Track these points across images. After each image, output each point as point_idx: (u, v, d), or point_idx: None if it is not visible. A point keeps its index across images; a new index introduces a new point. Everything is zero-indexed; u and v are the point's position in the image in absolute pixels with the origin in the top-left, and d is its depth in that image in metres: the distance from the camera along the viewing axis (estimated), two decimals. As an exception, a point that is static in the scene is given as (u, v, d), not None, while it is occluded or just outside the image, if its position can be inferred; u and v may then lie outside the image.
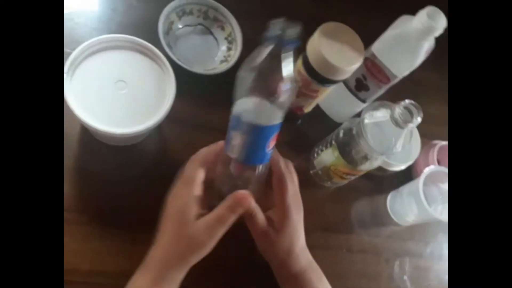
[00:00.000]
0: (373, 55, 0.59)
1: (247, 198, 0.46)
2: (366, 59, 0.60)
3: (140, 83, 0.54)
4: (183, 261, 0.46)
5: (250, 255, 0.55)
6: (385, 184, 0.72)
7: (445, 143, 0.72)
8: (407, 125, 0.51)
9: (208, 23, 0.69)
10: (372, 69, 0.60)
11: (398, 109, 0.51)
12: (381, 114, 0.55)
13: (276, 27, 0.40)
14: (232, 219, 0.46)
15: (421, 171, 0.70)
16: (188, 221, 0.46)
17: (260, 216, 0.50)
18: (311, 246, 0.54)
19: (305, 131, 0.72)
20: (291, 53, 0.42)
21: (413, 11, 0.58)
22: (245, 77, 0.43)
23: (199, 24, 0.69)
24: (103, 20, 0.65)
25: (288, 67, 0.42)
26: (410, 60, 0.57)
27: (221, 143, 0.50)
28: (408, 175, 0.74)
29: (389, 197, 0.71)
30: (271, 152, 0.47)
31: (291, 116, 0.67)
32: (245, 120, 0.44)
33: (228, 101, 0.65)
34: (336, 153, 0.59)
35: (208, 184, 0.49)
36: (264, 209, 0.51)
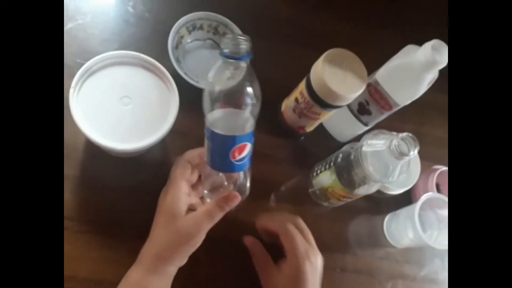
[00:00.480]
0: (377, 82, 0.59)
1: (235, 198, 0.50)
2: (369, 85, 0.61)
3: (145, 99, 0.55)
4: (173, 253, 0.49)
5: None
6: (383, 205, 0.73)
7: (446, 168, 0.72)
8: (403, 157, 0.51)
9: (217, 38, 0.70)
10: (375, 95, 0.61)
11: (395, 141, 0.51)
12: (380, 143, 0.55)
13: (227, 42, 0.43)
14: (219, 215, 0.49)
15: (420, 196, 0.71)
16: (177, 215, 0.49)
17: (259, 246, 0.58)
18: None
19: (307, 148, 0.73)
20: (244, 67, 0.45)
21: (421, 40, 0.58)
22: (205, 90, 0.47)
23: (209, 38, 0.70)
24: (115, 32, 0.67)
25: (238, 82, 0.45)
26: (413, 90, 0.57)
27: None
28: (407, 197, 0.75)
29: (386, 218, 0.72)
30: (243, 164, 0.49)
31: (294, 134, 0.69)
32: (208, 127, 0.47)
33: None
34: (334, 176, 0.60)
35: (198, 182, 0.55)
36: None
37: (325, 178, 0.63)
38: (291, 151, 0.72)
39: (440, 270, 0.73)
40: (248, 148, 0.48)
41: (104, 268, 0.55)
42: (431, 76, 0.57)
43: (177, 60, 0.65)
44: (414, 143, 0.52)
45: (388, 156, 0.53)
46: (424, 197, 0.64)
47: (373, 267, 0.69)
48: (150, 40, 0.68)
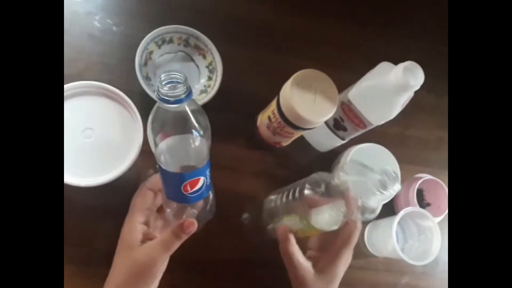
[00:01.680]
0: (349, 101, 0.57)
1: (191, 226, 0.48)
2: (343, 103, 0.59)
3: (108, 131, 0.54)
4: (131, 284, 0.49)
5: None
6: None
7: (429, 177, 0.70)
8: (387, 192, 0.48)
9: (189, 51, 0.67)
10: (349, 114, 0.59)
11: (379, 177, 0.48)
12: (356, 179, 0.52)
13: (159, 87, 0.38)
14: (175, 244, 0.48)
15: (401, 206, 0.70)
16: (132, 246, 0.49)
17: (299, 253, 0.54)
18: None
19: (286, 159, 0.72)
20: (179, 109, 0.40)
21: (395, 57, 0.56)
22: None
23: (180, 51, 0.67)
24: (81, 50, 0.65)
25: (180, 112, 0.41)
26: (386, 111, 0.55)
27: None
28: (390, 205, 0.73)
29: (367, 227, 0.71)
30: (199, 195, 0.48)
31: (270, 147, 0.67)
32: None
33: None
34: (305, 222, 0.52)
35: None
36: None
37: (292, 222, 0.55)
38: (269, 163, 0.71)
39: (422, 277, 0.72)
40: (201, 181, 0.47)
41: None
42: (406, 97, 0.54)
43: (147, 78, 0.63)
44: (394, 180, 0.49)
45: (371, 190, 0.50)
46: (402, 212, 0.63)
47: (353, 278, 0.69)
48: (118, 56, 0.65)
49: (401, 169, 0.73)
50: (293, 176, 0.70)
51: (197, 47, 0.67)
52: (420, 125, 0.81)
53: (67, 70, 0.62)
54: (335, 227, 0.50)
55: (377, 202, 0.51)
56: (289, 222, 0.55)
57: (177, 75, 0.38)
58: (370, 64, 0.60)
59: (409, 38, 0.84)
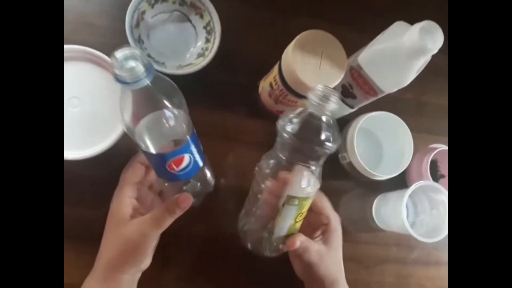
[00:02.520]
0: (359, 66, 0.52)
1: (186, 200, 0.45)
2: (352, 68, 0.53)
3: (95, 100, 0.51)
4: (123, 261, 0.46)
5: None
6: (374, 185, 0.68)
7: (444, 148, 0.65)
8: None
9: (185, 10, 0.62)
10: (358, 80, 0.53)
11: None
12: None
13: (114, 66, 0.33)
14: (168, 220, 0.45)
15: (414, 178, 0.66)
16: (122, 221, 0.46)
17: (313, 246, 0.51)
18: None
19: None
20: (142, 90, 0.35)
21: (414, 15, 0.49)
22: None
23: (175, 10, 0.62)
24: (69, 10, 0.59)
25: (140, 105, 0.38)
26: (400, 78, 0.50)
27: None
28: (402, 177, 0.69)
29: (375, 201, 0.67)
30: (188, 172, 0.45)
31: (273, 116, 0.62)
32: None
33: (202, 99, 0.61)
34: (295, 201, 0.46)
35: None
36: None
37: (284, 217, 0.48)
38: (272, 133, 0.66)
39: (432, 251, 0.69)
40: (186, 158, 0.43)
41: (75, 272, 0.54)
42: (422, 62, 0.48)
43: (139, 41, 0.59)
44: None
45: None
46: (413, 187, 0.59)
47: (360, 253, 0.66)
48: (109, 17, 0.61)
49: (416, 139, 0.68)
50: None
51: (193, 6, 0.61)
52: (437, 91, 0.74)
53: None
54: (317, 185, 0.48)
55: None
56: (283, 221, 0.48)
57: (132, 51, 0.33)
58: (386, 23, 0.53)
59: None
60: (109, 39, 0.60)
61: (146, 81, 0.34)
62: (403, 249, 0.68)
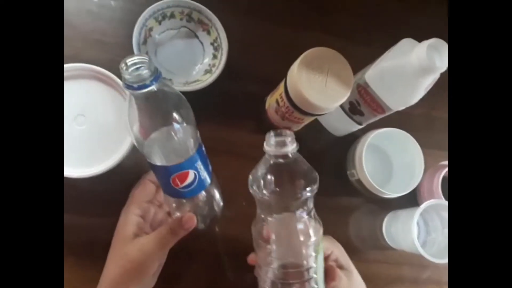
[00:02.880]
0: (366, 83, 0.51)
1: (190, 221, 0.45)
2: (359, 86, 0.52)
3: (101, 117, 0.51)
4: (125, 280, 0.45)
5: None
6: (385, 203, 0.67)
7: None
8: None
9: (192, 26, 0.62)
10: (366, 97, 0.52)
11: None
12: None
13: (122, 72, 0.35)
14: (171, 241, 0.45)
15: (425, 195, 0.64)
16: (126, 239, 0.46)
17: None
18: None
19: (299, 142, 0.66)
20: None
21: (420, 32, 0.49)
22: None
23: (183, 26, 0.62)
24: (77, 26, 0.60)
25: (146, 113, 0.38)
26: (407, 96, 0.49)
27: None
28: (412, 194, 0.67)
29: (386, 218, 0.66)
30: (192, 190, 0.44)
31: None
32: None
33: (210, 115, 0.61)
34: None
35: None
36: None
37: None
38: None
39: (445, 270, 0.67)
40: (191, 175, 0.43)
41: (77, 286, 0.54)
42: (430, 80, 0.47)
43: (146, 57, 0.59)
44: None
45: None
46: (423, 205, 0.57)
47: (370, 272, 0.65)
48: (118, 34, 0.61)
49: (426, 155, 0.67)
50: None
51: (200, 22, 0.61)
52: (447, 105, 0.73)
53: (64, 49, 0.57)
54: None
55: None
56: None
57: (141, 57, 0.35)
58: (396, 37, 0.53)
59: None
60: (117, 56, 0.59)
61: (153, 87, 0.34)
62: (415, 268, 0.66)
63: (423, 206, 0.57)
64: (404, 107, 0.50)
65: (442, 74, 0.53)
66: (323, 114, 0.51)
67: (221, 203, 0.53)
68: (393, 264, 0.66)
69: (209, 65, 0.62)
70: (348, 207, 0.67)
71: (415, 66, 0.44)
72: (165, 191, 0.46)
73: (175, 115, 0.38)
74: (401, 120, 0.65)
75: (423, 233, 0.65)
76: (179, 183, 0.42)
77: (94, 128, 0.50)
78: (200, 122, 0.61)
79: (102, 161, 0.49)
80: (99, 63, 0.58)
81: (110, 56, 0.60)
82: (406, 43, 0.49)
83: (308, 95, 0.47)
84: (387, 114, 0.53)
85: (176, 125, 0.39)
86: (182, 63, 0.62)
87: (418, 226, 0.66)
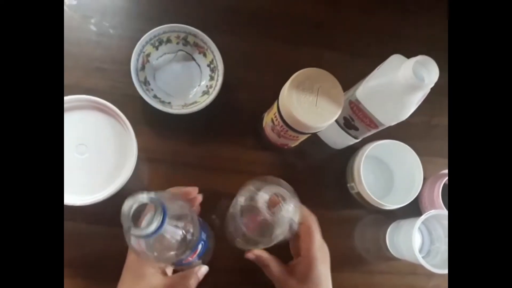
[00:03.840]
0: (357, 100, 0.51)
1: (205, 270, 0.48)
2: (351, 102, 0.53)
3: (102, 146, 0.53)
4: None
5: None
6: (388, 214, 0.67)
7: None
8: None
9: (189, 49, 0.64)
10: (358, 114, 0.53)
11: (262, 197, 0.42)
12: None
13: (123, 217, 0.33)
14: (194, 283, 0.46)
15: (426, 205, 0.64)
16: (144, 276, 0.46)
17: (274, 265, 0.52)
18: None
19: (298, 159, 0.67)
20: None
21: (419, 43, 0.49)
22: None
23: (180, 50, 0.64)
24: (77, 56, 0.62)
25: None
26: (398, 112, 0.49)
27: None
28: (416, 204, 0.67)
29: (389, 229, 0.66)
30: (200, 254, 0.46)
31: (278, 148, 0.63)
32: None
33: (209, 135, 0.63)
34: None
35: None
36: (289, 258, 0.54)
37: None
38: (280, 164, 0.67)
39: (451, 279, 0.67)
40: (199, 247, 0.45)
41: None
42: (420, 95, 0.48)
43: (145, 83, 0.61)
44: (286, 200, 0.42)
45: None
46: (423, 216, 0.58)
47: (373, 283, 0.65)
48: (117, 60, 0.63)
49: (428, 163, 0.67)
50: (306, 178, 0.66)
51: (196, 45, 0.63)
52: (447, 112, 0.73)
53: (65, 79, 0.60)
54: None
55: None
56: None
57: (144, 197, 0.33)
58: (394, 50, 0.53)
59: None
60: (118, 82, 0.63)
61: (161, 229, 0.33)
62: (420, 278, 0.66)
63: (422, 217, 0.57)
64: (396, 123, 0.51)
65: (441, 82, 0.53)
66: (317, 131, 0.52)
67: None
68: (397, 274, 0.66)
69: (207, 86, 0.63)
70: (351, 219, 0.67)
71: (402, 84, 0.45)
72: (177, 266, 0.48)
73: (176, 237, 0.38)
74: (400, 129, 0.64)
75: (427, 242, 0.65)
76: (190, 258, 0.44)
77: (95, 157, 0.52)
78: (199, 142, 0.64)
79: (104, 188, 0.51)
80: (99, 90, 0.61)
81: (111, 83, 0.62)
82: (394, 60, 0.49)
83: (299, 115, 0.48)
84: (380, 129, 0.54)
85: (176, 239, 0.38)
86: (181, 86, 0.64)
87: (422, 235, 0.66)
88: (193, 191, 0.50)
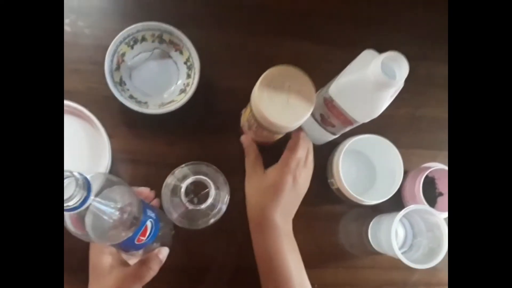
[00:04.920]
0: (331, 98, 0.51)
1: (165, 251, 0.49)
2: (325, 99, 0.52)
3: (75, 150, 0.53)
4: None
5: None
6: (370, 208, 0.66)
7: (440, 167, 0.63)
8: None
9: (165, 47, 0.63)
10: (332, 111, 0.52)
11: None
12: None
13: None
14: (147, 275, 0.46)
15: (408, 198, 0.64)
16: (101, 273, 0.47)
17: (253, 148, 0.60)
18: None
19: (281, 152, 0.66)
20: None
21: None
22: None
23: (156, 48, 0.63)
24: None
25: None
26: (370, 109, 0.49)
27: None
28: (398, 198, 0.67)
29: (371, 224, 0.66)
30: (153, 235, 0.46)
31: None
32: None
33: (188, 133, 0.62)
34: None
35: None
36: None
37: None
38: (264, 159, 0.66)
39: (433, 272, 0.66)
40: (149, 225, 0.44)
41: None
42: (392, 91, 0.47)
43: (121, 83, 0.60)
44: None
45: None
46: (402, 212, 0.57)
47: (357, 278, 0.65)
48: (94, 61, 0.62)
49: (412, 155, 0.68)
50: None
51: (172, 43, 0.62)
52: (434, 103, 0.72)
53: (39, 82, 0.59)
54: None
55: None
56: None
57: (67, 173, 0.33)
58: (374, 36, 0.52)
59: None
60: (95, 83, 0.62)
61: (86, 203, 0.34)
62: (403, 271, 0.66)
63: (401, 212, 0.57)
64: (369, 119, 0.50)
65: (429, 71, 0.51)
66: (291, 131, 0.52)
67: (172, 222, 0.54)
68: (380, 268, 0.66)
69: (184, 84, 0.62)
70: (335, 214, 0.67)
71: (372, 81, 0.44)
72: (129, 251, 0.47)
73: (110, 210, 0.38)
74: (384, 121, 0.62)
75: (410, 235, 0.65)
76: (143, 238, 0.44)
77: (69, 161, 0.52)
78: (178, 141, 0.63)
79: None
80: (77, 92, 0.61)
81: (87, 84, 0.62)
82: (367, 55, 0.49)
83: (270, 116, 0.48)
84: (355, 126, 0.53)
85: (109, 218, 0.38)
86: (158, 84, 0.63)
87: (405, 229, 0.66)
88: (145, 190, 0.53)
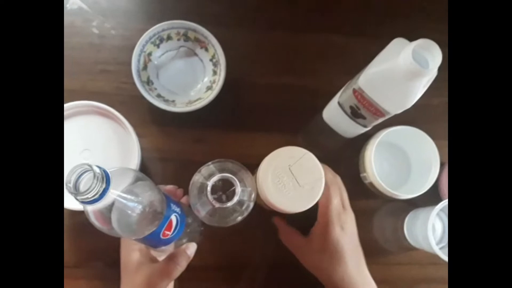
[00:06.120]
0: (361, 89, 0.49)
1: (192, 247, 0.48)
2: (355, 90, 0.50)
3: (105, 150, 0.53)
4: None
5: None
6: (407, 202, 0.64)
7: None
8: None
9: (190, 45, 0.63)
10: (363, 102, 0.51)
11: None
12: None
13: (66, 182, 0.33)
14: (175, 271, 0.46)
15: (445, 192, 0.61)
16: (131, 269, 0.47)
17: (294, 236, 0.55)
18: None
19: (313, 145, 0.65)
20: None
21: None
22: None
23: (182, 46, 0.63)
24: (81, 62, 0.63)
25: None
26: (402, 100, 0.46)
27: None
28: (436, 189, 0.64)
29: (407, 218, 0.64)
30: (179, 230, 0.45)
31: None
32: None
33: (216, 131, 0.62)
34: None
35: None
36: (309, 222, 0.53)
37: None
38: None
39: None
40: (173, 220, 0.44)
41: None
42: (425, 80, 0.45)
43: (148, 82, 0.61)
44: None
45: None
46: (440, 205, 0.55)
47: (392, 275, 0.63)
48: (120, 61, 0.63)
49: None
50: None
51: (197, 40, 0.62)
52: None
53: (70, 84, 0.60)
54: None
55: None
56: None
57: (86, 166, 0.33)
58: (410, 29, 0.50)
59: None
60: (123, 83, 0.63)
61: (103, 196, 0.33)
62: (441, 267, 0.63)
63: (438, 206, 0.55)
64: (402, 111, 0.48)
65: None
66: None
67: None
68: (417, 264, 0.64)
69: (210, 81, 0.62)
70: (368, 210, 0.65)
71: (404, 70, 0.42)
72: (157, 247, 0.46)
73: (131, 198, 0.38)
74: (418, 112, 0.60)
75: (447, 230, 0.62)
76: (168, 233, 0.43)
77: (100, 161, 0.52)
78: (206, 138, 0.63)
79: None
80: (105, 93, 0.62)
81: (115, 85, 0.63)
82: (396, 44, 0.46)
83: (277, 203, 0.47)
84: (387, 117, 0.51)
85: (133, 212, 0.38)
86: (184, 82, 0.63)
87: (443, 223, 0.63)
88: (173, 189, 0.52)
